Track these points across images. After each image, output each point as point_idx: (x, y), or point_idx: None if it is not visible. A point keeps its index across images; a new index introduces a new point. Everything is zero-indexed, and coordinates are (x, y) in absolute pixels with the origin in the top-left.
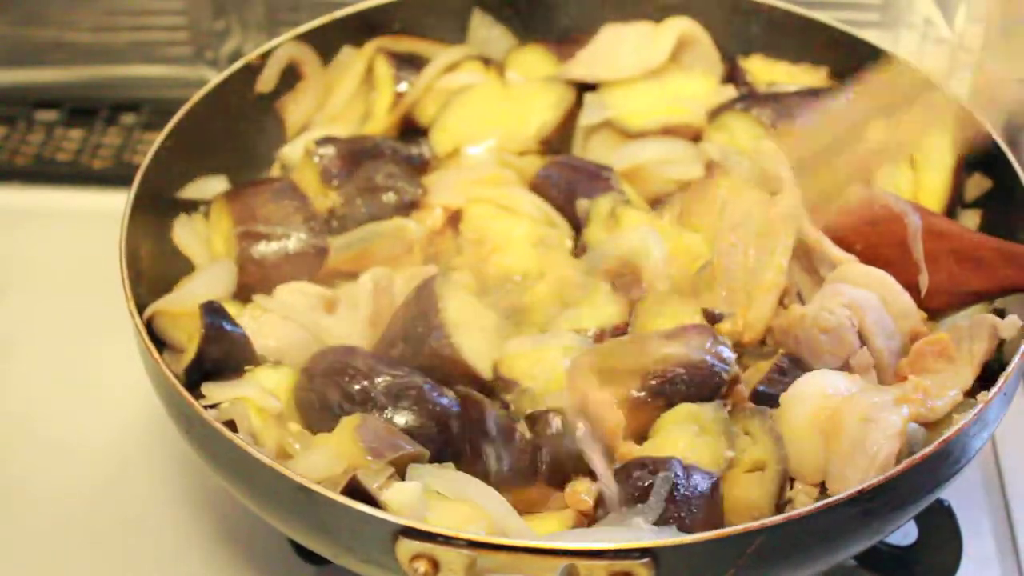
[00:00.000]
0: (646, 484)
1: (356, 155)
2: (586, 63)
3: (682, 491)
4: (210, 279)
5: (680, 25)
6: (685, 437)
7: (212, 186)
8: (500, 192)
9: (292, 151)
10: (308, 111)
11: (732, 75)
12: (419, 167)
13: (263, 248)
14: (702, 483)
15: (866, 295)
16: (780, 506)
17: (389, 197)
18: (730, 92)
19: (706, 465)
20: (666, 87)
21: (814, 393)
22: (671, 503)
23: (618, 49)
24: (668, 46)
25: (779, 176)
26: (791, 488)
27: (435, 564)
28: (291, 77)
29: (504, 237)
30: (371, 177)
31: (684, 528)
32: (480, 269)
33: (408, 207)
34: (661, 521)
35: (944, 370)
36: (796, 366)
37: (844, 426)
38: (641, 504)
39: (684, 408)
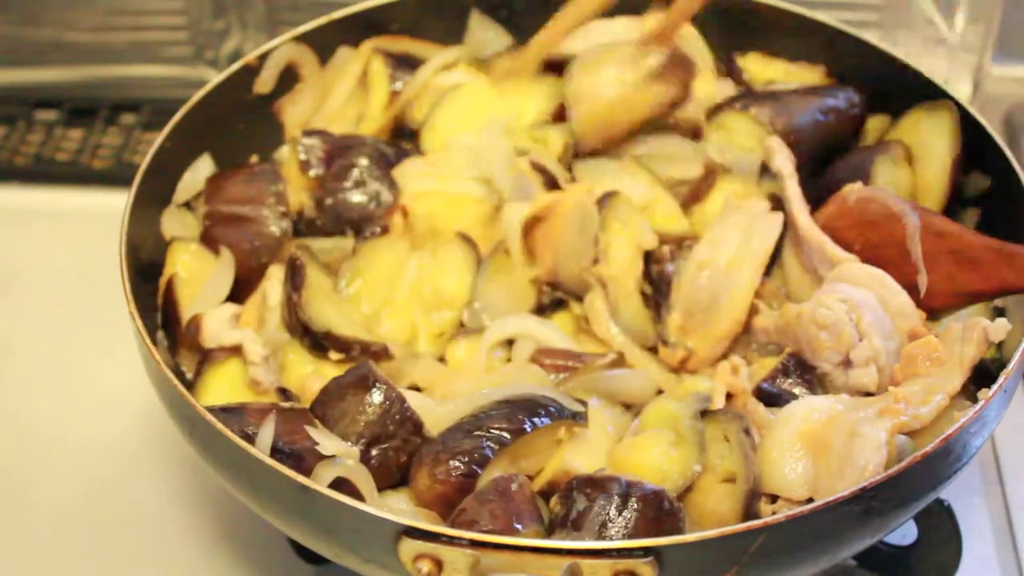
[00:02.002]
0: (582, 509)
1: (340, 151)
2: (567, 43)
3: (616, 519)
4: (214, 290)
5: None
6: (660, 446)
7: (200, 174)
8: (443, 183)
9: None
10: (306, 112)
11: (730, 72)
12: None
13: (223, 229)
14: (644, 502)
15: (864, 294)
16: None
17: (358, 197)
18: (725, 89)
19: (676, 477)
20: None
21: (800, 415)
22: (608, 524)
23: (601, 31)
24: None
25: (781, 174)
26: (773, 503)
27: (438, 564)
28: (290, 78)
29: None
30: (344, 175)
31: None
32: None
33: (376, 212)
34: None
35: (934, 373)
36: (800, 366)
37: (831, 443)
38: (576, 532)
39: (665, 409)
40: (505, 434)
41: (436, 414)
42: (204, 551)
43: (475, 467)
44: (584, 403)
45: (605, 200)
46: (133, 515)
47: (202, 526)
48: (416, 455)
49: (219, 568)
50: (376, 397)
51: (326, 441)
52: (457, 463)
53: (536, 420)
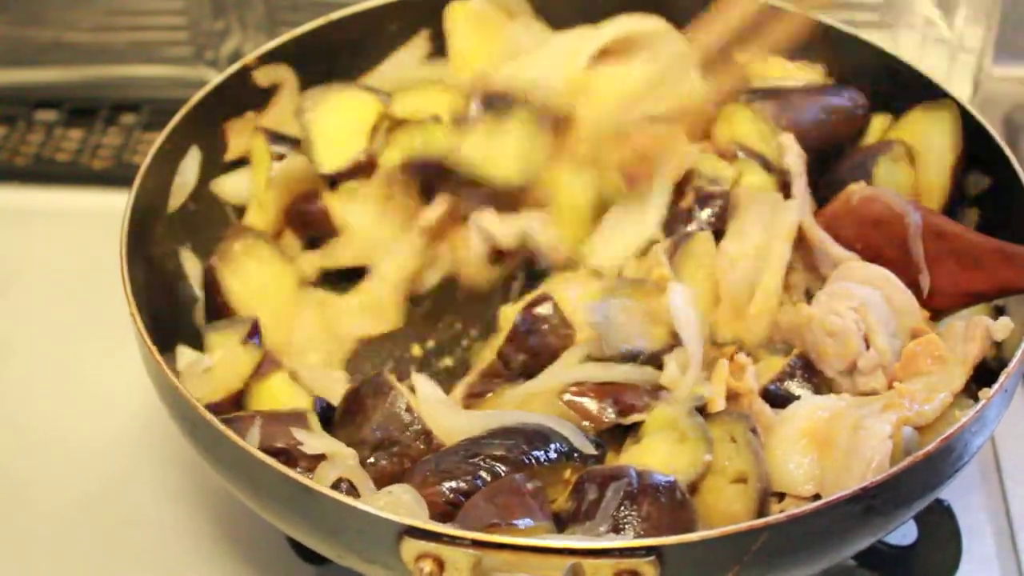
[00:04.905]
0: (594, 499)
1: None
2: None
3: (631, 505)
4: None
5: (610, 31)
6: (665, 444)
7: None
8: None
9: (223, 185)
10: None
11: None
12: None
13: None
14: (656, 493)
15: (869, 291)
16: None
17: None
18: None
19: (687, 468)
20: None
21: (803, 412)
22: (620, 516)
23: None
24: (592, 50)
25: (790, 171)
26: (780, 501)
27: (440, 563)
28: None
29: None
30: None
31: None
32: None
33: None
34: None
35: (936, 372)
36: (807, 368)
37: (836, 438)
38: (590, 522)
39: (661, 414)
40: (500, 465)
41: (453, 424)
42: (204, 551)
43: (461, 496)
44: (602, 444)
45: None
46: (133, 515)
47: (202, 526)
48: (412, 468)
49: (219, 568)
50: (388, 401)
51: (312, 441)
52: (444, 489)
53: (538, 454)
